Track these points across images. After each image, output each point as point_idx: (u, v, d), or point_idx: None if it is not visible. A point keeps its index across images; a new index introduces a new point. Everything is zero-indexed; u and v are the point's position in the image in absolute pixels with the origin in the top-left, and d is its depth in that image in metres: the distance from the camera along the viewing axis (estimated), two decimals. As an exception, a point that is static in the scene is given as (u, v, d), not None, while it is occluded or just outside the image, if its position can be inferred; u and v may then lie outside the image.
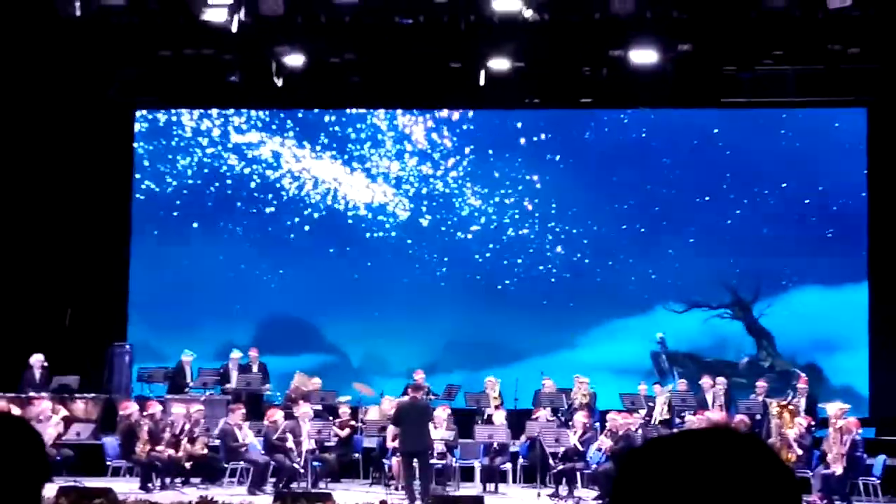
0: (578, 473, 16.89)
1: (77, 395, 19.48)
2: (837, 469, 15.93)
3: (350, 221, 22.86)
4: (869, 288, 21.41)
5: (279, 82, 20.31)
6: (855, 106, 21.32)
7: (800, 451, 16.57)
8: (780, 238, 21.88)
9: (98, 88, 21.30)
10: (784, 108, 21.65)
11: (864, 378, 21.01)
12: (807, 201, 21.97)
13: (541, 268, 22.49)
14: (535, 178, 22.65)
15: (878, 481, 16.46)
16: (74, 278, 21.69)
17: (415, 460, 15.98)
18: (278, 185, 22.94)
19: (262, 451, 17.25)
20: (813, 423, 17.55)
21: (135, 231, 22.65)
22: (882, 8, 18.47)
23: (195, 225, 22.82)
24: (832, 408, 17.00)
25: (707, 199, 22.24)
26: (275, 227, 22.88)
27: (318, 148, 22.95)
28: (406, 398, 16.85)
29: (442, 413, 17.47)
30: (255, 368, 20.20)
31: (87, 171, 21.82)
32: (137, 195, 22.80)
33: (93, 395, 19.68)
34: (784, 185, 22.00)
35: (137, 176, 22.83)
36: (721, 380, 19.50)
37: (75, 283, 21.71)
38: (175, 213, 22.88)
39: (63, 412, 17.94)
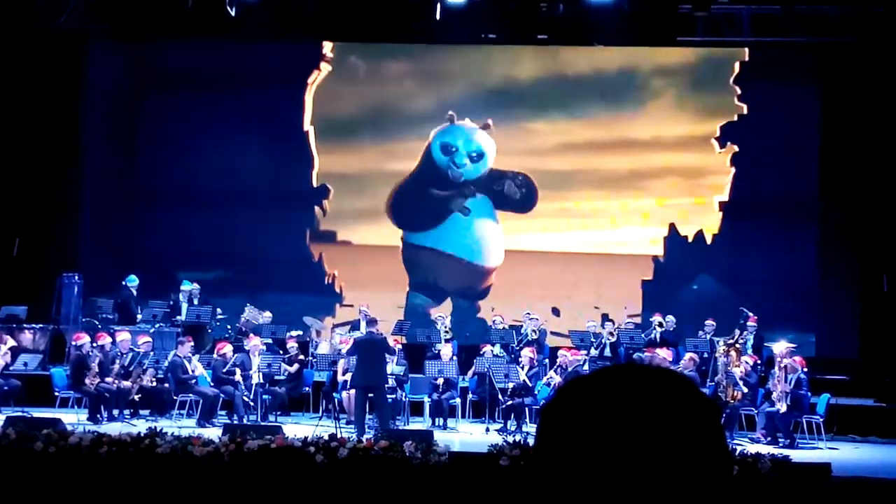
0: (526, 409, 17.03)
1: (25, 325, 19.37)
2: (781, 407, 16.18)
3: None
4: (818, 232, 21.58)
5: (232, 12, 19.98)
6: (807, 49, 21.30)
7: (745, 390, 16.76)
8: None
9: (49, 16, 20.94)
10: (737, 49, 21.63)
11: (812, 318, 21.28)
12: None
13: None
14: (490, 114, 22.53)
15: (822, 420, 16.69)
16: (23, 206, 21.44)
17: (370, 395, 16.02)
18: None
19: (211, 384, 17.25)
20: (759, 361, 17.77)
21: (87, 161, 22.36)
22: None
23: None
24: (779, 346, 17.25)
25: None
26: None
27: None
28: (361, 333, 16.82)
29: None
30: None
31: (38, 98, 21.51)
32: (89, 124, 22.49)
33: (41, 325, 19.58)
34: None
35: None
36: (670, 318, 19.64)
37: (24, 211, 21.47)
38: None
39: (10, 342, 17.82)
